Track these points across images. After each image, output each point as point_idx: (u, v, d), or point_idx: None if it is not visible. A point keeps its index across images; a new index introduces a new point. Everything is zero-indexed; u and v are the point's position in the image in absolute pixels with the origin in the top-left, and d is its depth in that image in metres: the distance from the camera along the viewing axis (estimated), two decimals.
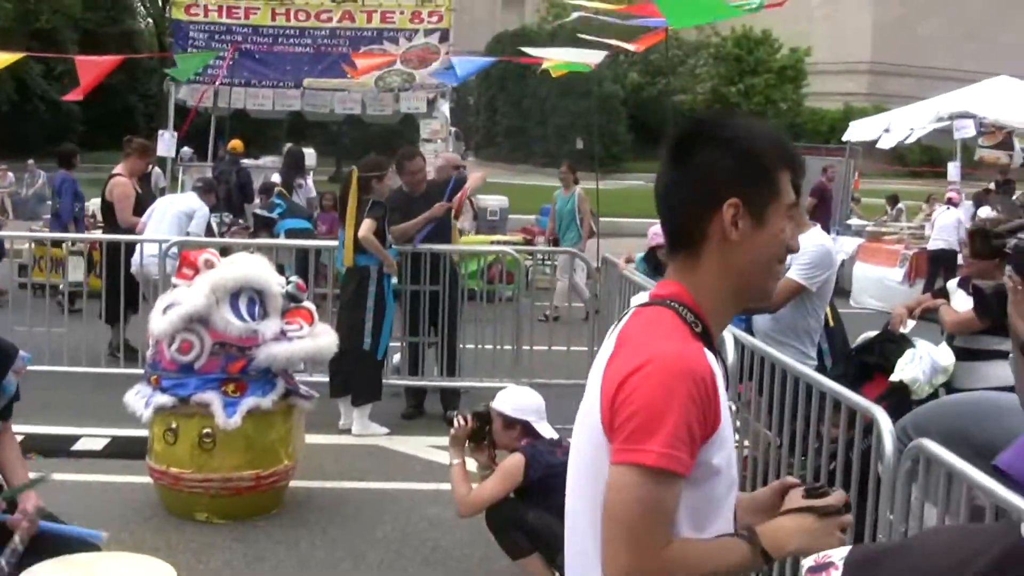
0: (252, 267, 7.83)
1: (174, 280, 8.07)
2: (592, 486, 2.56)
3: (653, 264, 9.27)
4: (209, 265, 7.85)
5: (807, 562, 2.37)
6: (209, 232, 12.44)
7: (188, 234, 11.88)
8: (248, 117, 20.52)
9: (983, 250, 7.36)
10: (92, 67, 15.13)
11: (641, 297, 2.74)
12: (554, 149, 50.47)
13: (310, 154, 22.21)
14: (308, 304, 8.17)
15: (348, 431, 9.97)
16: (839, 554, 2.28)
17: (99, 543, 5.00)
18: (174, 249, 10.43)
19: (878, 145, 22.03)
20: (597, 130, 48.01)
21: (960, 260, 15.04)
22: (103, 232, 12.77)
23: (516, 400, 6.54)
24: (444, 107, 18.37)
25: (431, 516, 8.04)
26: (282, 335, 7.78)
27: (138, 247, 11.81)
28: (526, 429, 6.47)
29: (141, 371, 10.27)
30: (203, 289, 7.58)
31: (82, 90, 14.35)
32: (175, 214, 12.13)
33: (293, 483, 8.23)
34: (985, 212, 14.57)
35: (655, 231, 8.76)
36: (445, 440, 9.56)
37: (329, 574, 6.98)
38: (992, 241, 7.27)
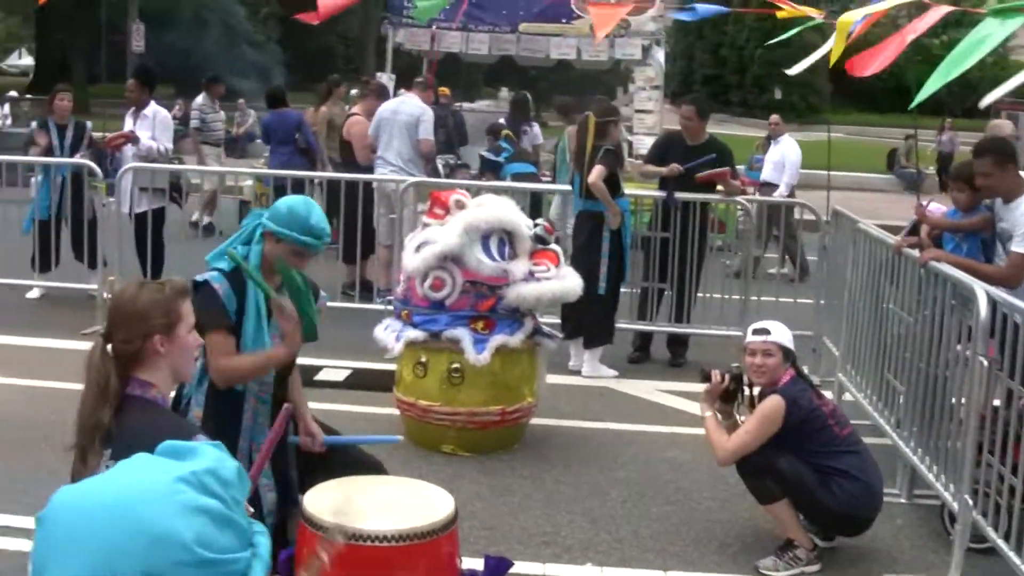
0: (504, 209, 8.07)
1: (424, 219, 8.36)
2: None
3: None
4: (460, 206, 8.12)
5: None
6: (435, 174, 12.74)
7: (419, 142, 12.51)
8: (455, 61, 20.77)
9: None
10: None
11: None
12: (752, 99, 49.94)
13: None
14: (555, 246, 8.39)
15: (578, 372, 10.24)
16: None
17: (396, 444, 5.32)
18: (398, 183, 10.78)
19: None
20: (798, 80, 47.69)
21: None
22: (342, 169, 13.23)
23: (789, 333, 6.64)
24: (659, 55, 18.38)
25: (669, 458, 8.24)
26: (530, 276, 8.02)
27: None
28: (793, 363, 6.60)
29: (375, 307, 10.79)
30: (457, 229, 7.85)
31: (319, 15, 14.85)
32: (401, 127, 12.55)
33: (532, 420, 8.51)
34: None
35: (932, 208, 8.68)
36: (673, 385, 9.93)
37: (576, 509, 7.21)
38: None
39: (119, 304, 3.97)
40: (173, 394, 4.79)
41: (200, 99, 17.93)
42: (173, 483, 2.79)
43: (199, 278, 5.25)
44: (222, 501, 2.84)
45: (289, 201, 5.40)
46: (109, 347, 3.91)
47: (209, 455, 2.96)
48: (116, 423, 3.75)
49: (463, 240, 7.82)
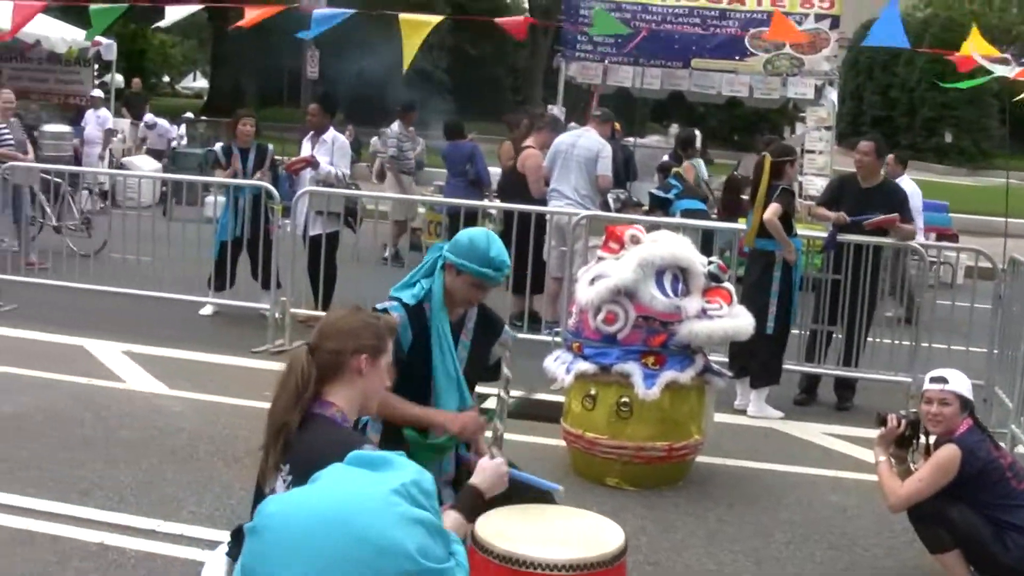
0: (679, 245, 8.15)
1: (599, 253, 8.48)
2: None
3: None
4: (635, 241, 8.22)
5: None
6: (605, 208, 12.83)
7: (597, 178, 12.73)
8: (625, 95, 20.85)
9: None
10: (513, 25, 16.09)
11: None
12: (921, 142, 49.20)
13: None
14: (728, 285, 8.43)
15: (743, 411, 10.24)
16: None
17: (557, 496, 5.34)
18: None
19: None
20: (970, 124, 46.94)
21: None
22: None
23: (968, 383, 6.59)
24: (832, 95, 18.23)
25: (833, 503, 8.20)
26: (703, 313, 8.08)
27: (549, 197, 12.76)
28: (971, 412, 6.54)
29: (541, 338, 10.94)
30: (631, 264, 7.94)
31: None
32: (579, 161, 12.71)
33: (698, 458, 8.54)
34: None
35: None
36: (839, 428, 9.89)
37: (739, 548, 7.22)
38: None
39: (334, 319, 4.13)
40: None
41: (395, 127, 18.12)
42: (389, 495, 2.91)
43: (380, 306, 5.42)
44: (432, 512, 2.97)
45: (470, 233, 5.55)
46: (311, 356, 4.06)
47: (408, 467, 3.09)
48: (297, 438, 3.89)
49: (637, 275, 7.91)
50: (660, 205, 14.01)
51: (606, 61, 18.49)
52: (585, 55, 18.70)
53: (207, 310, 12.88)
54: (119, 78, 29.51)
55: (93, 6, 14.96)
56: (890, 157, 16.25)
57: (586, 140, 12.90)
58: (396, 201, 16.25)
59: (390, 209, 16.46)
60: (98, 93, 24.74)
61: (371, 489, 2.95)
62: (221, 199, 13.15)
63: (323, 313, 11.72)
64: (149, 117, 26.21)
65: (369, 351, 4.02)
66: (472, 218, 11.76)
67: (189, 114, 34.77)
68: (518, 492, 5.33)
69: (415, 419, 5.40)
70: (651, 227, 9.73)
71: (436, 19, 15.15)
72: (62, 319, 12.04)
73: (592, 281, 8.12)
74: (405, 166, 17.92)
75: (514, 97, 58.21)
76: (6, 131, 15.22)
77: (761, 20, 18.21)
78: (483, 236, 5.50)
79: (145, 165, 23.86)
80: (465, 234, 5.54)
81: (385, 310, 5.40)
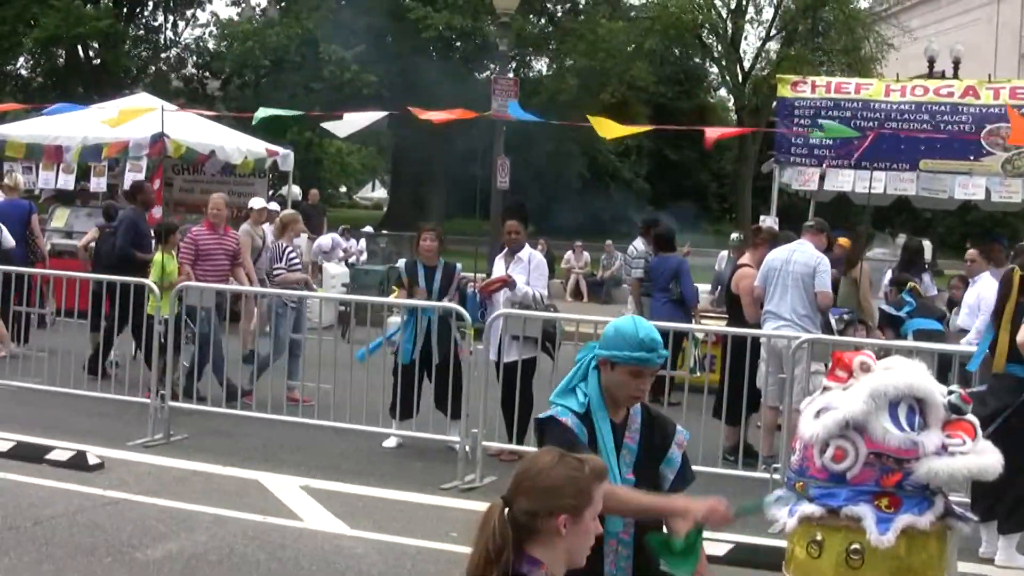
0: (915, 373, 7.95)
1: (825, 382, 8.32)
2: None
3: None
4: (865, 368, 8.05)
5: None
6: (827, 329, 12.67)
7: (816, 295, 12.49)
8: (841, 202, 20.67)
9: None
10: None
11: None
12: None
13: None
14: (971, 417, 8.18)
15: (990, 560, 9.89)
16: None
17: None
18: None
19: None
20: None
21: None
22: (728, 324, 13.32)
23: None
24: None
25: None
26: (943, 449, 7.85)
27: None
28: None
29: (758, 475, 10.77)
30: (862, 395, 7.75)
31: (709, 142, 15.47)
32: (796, 278, 12.56)
33: None
34: None
35: None
36: None
37: None
38: None
39: (532, 472, 4.06)
40: None
41: (640, 246, 17.75)
42: None
43: (542, 416, 5.63)
44: None
45: (615, 323, 5.77)
46: (507, 511, 4.01)
47: None
48: None
49: (869, 407, 7.72)
50: (891, 324, 13.74)
51: (824, 165, 18.36)
52: (800, 159, 18.61)
53: (391, 442, 12.96)
54: (296, 189, 30.15)
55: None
56: (971, 253, 15.41)
57: (801, 254, 12.73)
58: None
59: None
60: (274, 206, 25.16)
61: None
62: (399, 319, 13.23)
63: (517, 447, 11.84)
64: (325, 241, 26.77)
65: (568, 510, 3.97)
66: (678, 342, 11.69)
67: (369, 228, 35.42)
68: None
69: (649, 508, 5.45)
70: (882, 351, 9.56)
71: (633, 129, 15.24)
72: (236, 450, 12.29)
73: (817, 414, 7.95)
74: (651, 288, 17.65)
75: (720, 204, 58.27)
76: (294, 255, 15.65)
77: (998, 115, 17.92)
78: (629, 321, 5.74)
79: (336, 272, 24.37)
80: (610, 326, 5.74)
81: (551, 417, 5.51)
